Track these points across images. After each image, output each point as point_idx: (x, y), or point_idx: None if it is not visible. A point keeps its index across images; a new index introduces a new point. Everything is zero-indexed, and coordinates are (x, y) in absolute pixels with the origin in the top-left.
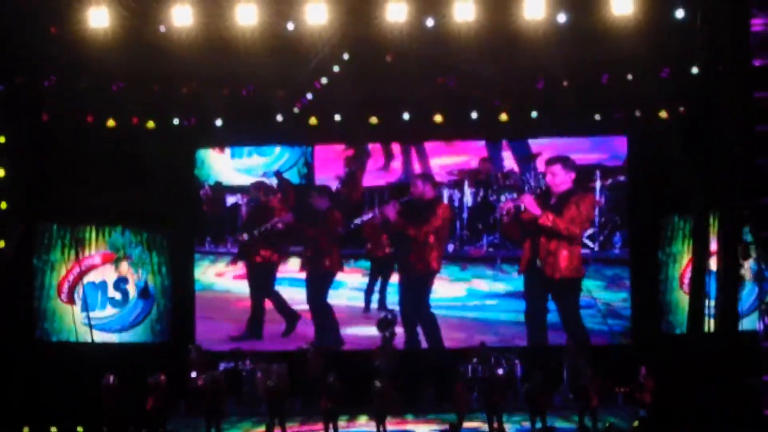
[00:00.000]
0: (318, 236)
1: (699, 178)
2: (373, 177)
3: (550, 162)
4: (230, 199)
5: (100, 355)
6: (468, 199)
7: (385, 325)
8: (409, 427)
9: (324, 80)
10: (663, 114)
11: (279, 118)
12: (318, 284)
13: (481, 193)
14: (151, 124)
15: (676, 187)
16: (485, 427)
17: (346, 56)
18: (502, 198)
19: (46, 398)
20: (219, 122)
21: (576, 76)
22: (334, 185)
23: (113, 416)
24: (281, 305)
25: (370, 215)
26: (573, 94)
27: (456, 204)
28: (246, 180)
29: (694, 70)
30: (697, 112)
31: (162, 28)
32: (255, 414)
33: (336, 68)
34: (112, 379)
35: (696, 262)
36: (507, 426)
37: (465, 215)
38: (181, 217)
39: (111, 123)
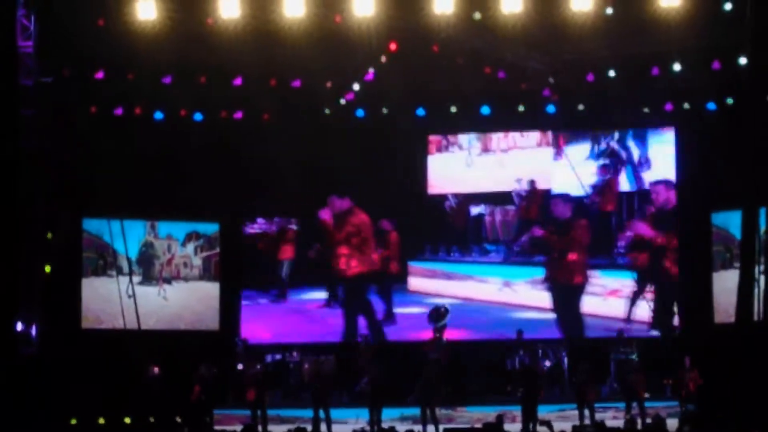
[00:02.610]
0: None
1: (747, 170)
2: None
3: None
4: (474, 210)
5: (146, 345)
6: None
7: (437, 317)
8: (457, 417)
9: (371, 72)
10: (711, 106)
11: (326, 110)
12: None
13: None
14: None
15: (724, 180)
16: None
17: (393, 48)
18: None
19: (93, 389)
20: (266, 115)
21: (624, 68)
22: (582, 192)
23: (160, 407)
24: None
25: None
26: (621, 86)
27: None
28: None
29: (743, 61)
30: (746, 104)
31: (209, 21)
32: (301, 406)
33: (383, 60)
34: (157, 370)
35: (744, 255)
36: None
37: None
38: (230, 209)
39: (159, 115)
